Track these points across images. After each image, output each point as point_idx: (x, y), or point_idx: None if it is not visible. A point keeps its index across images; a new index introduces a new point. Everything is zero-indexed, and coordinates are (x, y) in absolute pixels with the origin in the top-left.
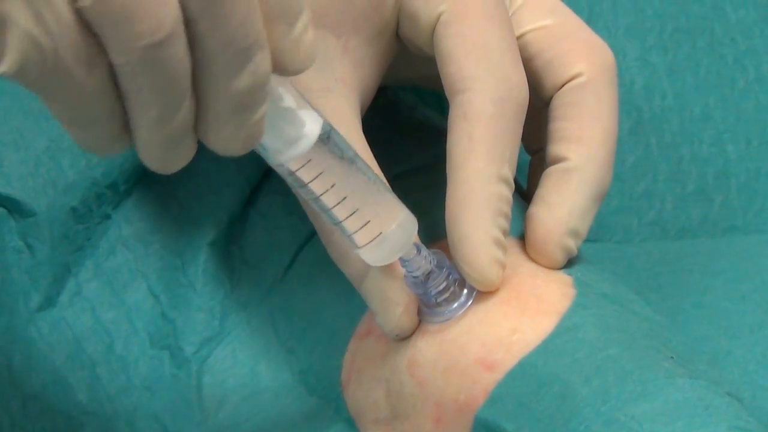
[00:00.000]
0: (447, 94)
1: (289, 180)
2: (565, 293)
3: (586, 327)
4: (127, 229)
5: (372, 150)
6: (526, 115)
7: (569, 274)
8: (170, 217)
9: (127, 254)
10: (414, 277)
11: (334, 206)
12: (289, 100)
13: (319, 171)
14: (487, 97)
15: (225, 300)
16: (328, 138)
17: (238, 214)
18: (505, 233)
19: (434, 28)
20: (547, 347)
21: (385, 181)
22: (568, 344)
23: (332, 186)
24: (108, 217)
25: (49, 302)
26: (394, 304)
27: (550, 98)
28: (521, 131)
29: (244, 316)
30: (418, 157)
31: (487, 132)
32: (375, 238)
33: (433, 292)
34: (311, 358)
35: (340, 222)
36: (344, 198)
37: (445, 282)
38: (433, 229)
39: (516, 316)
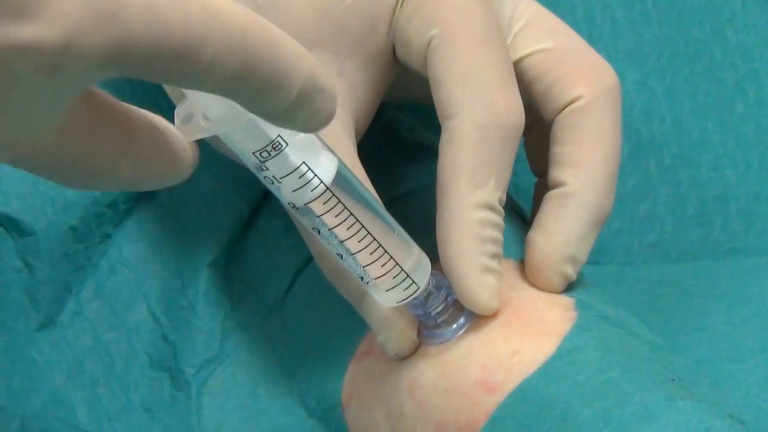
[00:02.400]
0: (439, 119)
1: (305, 220)
2: (566, 316)
3: (587, 349)
4: (128, 249)
5: (371, 172)
6: (533, 137)
7: (570, 297)
8: (171, 238)
9: (128, 274)
10: (414, 299)
11: (359, 251)
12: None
13: (338, 211)
14: (472, 124)
15: (225, 322)
16: (342, 178)
17: (238, 236)
18: (495, 257)
19: (426, 53)
20: (548, 369)
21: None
22: (569, 366)
23: (351, 227)
24: (108, 236)
25: (49, 321)
26: (393, 324)
27: (552, 122)
28: (512, 156)
29: (244, 337)
30: (417, 178)
31: (470, 158)
32: (393, 278)
33: (432, 313)
34: (311, 380)
35: (363, 266)
36: (364, 240)
37: (443, 303)
38: (432, 251)
39: (517, 338)
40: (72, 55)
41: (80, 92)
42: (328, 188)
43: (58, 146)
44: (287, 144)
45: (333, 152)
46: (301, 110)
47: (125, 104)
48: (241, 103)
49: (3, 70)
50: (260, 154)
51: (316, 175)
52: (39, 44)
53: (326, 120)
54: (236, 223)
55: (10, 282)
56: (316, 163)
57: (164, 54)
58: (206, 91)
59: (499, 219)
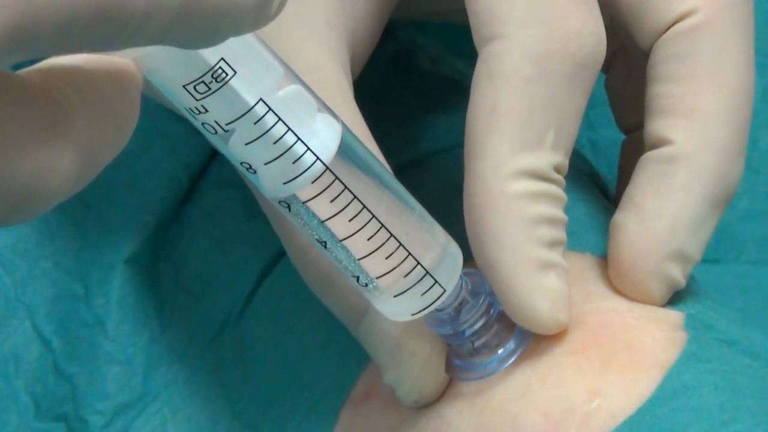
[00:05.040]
0: (475, 42)
1: (284, 209)
2: (672, 339)
3: (703, 389)
4: (2, 238)
5: (375, 123)
6: (619, 73)
7: (678, 311)
8: (68, 222)
9: (3, 276)
10: (439, 311)
11: (350, 235)
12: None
13: (339, 198)
14: (524, 51)
15: (151, 346)
16: (347, 148)
17: (171, 217)
18: (555, 246)
19: None
20: (645, 420)
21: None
22: (677, 415)
23: (336, 198)
24: None
25: None
26: (410, 354)
27: (650, 49)
28: (584, 102)
29: (180, 370)
30: (443, 133)
31: (518, 103)
32: (405, 278)
33: (467, 334)
34: None
35: (357, 260)
36: (358, 218)
37: (483, 318)
38: (465, 242)
39: (596, 372)
40: None
41: None
42: (323, 164)
43: None
44: (235, 72)
45: (335, 115)
46: (252, 18)
47: (35, 71)
48: (184, 46)
49: None
50: (195, 87)
51: (300, 139)
52: None
53: (279, 11)
54: (169, 198)
55: None
56: (308, 133)
57: (82, 17)
58: (135, 46)
59: (557, 190)
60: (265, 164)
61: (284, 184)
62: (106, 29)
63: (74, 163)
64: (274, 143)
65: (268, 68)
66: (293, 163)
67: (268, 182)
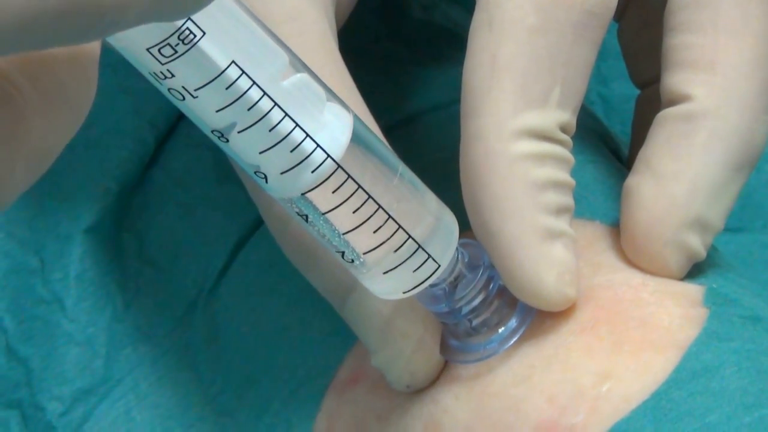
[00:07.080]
0: None
1: (261, 181)
2: (691, 315)
3: (724, 371)
4: None
5: (361, 79)
6: (632, 21)
7: (698, 284)
8: None
9: None
10: (433, 286)
11: (334, 208)
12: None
13: (348, 191)
14: None
15: (114, 325)
16: (355, 137)
17: (136, 182)
18: (562, 213)
19: None
20: (660, 404)
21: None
22: (696, 399)
23: (318, 167)
24: None
25: None
26: (401, 334)
27: None
28: (593, 55)
29: (146, 351)
30: (436, 90)
31: (519, 55)
32: (395, 252)
33: (465, 311)
34: (259, 424)
35: (342, 234)
36: (342, 189)
37: (482, 293)
38: (460, 210)
39: (607, 352)
40: None
41: None
42: (332, 158)
43: None
44: (204, 33)
45: (345, 105)
46: None
47: None
48: (165, 19)
49: None
50: (159, 50)
51: (309, 136)
52: None
53: None
54: (133, 161)
55: None
56: (316, 127)
57: (48, 11)
58: (110, 35)
59: (564, 151)
60: (270, 161)
61: (291, 183)
62: (78, 23)
63: (28, 167)
64: (281, 141)
65: (272, 55)
66: (302, 162)
67: (273, 180)
